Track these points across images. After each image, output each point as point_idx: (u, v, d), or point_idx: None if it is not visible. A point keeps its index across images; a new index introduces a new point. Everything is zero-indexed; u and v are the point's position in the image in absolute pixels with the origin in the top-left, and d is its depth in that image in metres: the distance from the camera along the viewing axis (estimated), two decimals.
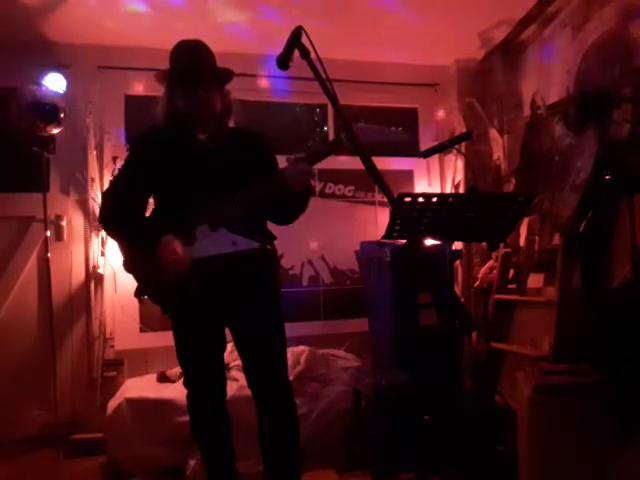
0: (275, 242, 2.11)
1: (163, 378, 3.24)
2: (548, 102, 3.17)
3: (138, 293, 2.03)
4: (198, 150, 1.97)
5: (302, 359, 3.14)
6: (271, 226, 2.15)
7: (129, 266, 2.05)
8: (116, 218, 2.02)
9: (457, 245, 3.26)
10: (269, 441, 2.06)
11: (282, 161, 2.16)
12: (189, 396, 2.11)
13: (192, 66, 1.93)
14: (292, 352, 3.04)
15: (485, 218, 2.20)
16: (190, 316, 2.00)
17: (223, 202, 1.87)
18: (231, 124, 2.08)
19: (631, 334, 2.23)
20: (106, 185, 3.54)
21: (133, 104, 3.71)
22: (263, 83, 3.72)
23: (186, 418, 2.68)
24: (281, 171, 1.90)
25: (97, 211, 3.48)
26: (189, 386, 2.10)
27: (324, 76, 1.55)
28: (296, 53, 1.62)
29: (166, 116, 2.00)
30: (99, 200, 3.51)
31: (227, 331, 2.10)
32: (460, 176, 3.85)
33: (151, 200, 2.11)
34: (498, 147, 3.68)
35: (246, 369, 2.07)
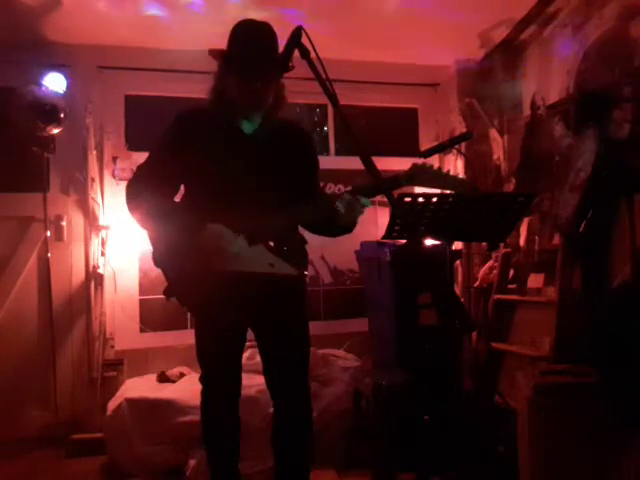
0: None
1: (163, 378, 3.24)
2: (548, 102, 3.17)
3: (167, 292, 1.91)
4: (242, 141, 1.87)
5: None
6: None
7: (159, 258, 1.90)
8: (145, 200, 1.85)
9: (457, 245, 3.25)
10: (284, 441, 2.04)
11: None
12: (204, 393, 2.06)
13: (256, 53, 1.75)
14: None
15: (485, 218, 2.20)
16: (216, 318, 1.92)
17: (265, 215, 1.76)
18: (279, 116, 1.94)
19: (631, 334, 2.22)
20: (107, 185, 3.56)
21: (133, 104, 3.71)
22: None
23: (186, 418, 2.70)
24: (335, 200, 1.76)
25: (97, 211, 3.51)
26: (206, 384, 2.05)
27: (324, 76, 1.55)
28: (296, 53, 1.62)
29: (214, 99, 1.87)
30: (99, 200, 3.52)
31: None
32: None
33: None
34: (498, 147, 3.68)
35: (267, 370, 2.03)
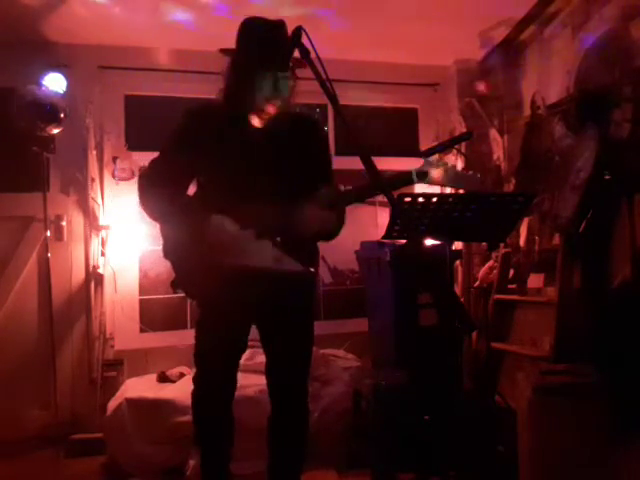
0: None
1: (163, 378, 3.24)
2: (548, 102, 3.17)
3: (174, 284, 1.93)
4: (254, 136, 1.86)
5: None
6: None
7: (168, 251, 1.91)
8: (157, 194, 1.86)
9: (457, 245, 3.25)
10: (280, 440, 2.04)
11: None
12: (196, 393, 2.04)
13: (271, 49, 1.76)
14: None
15: (485, 218, 2.20)
16: (221, 315, 1.91)
17: (274, 208, 1.76)
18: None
19: (631, 334, 2.23)
20: (107, 185, 3.56)
21: (133, 104, 3.71)
22: None
23: (186, 418, 2.69)
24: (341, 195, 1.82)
25: (97, 211, 3.51)
26: (201, 383, 2.02)
27: (324, 76, 1.55)
28: (296, 53, 1.62)
29: (226, 95, 1.86)
30: (99, 200, 3.52)
31: None
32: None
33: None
34: (498, 147, 3.67)
35: (269, 369, 2.03)
